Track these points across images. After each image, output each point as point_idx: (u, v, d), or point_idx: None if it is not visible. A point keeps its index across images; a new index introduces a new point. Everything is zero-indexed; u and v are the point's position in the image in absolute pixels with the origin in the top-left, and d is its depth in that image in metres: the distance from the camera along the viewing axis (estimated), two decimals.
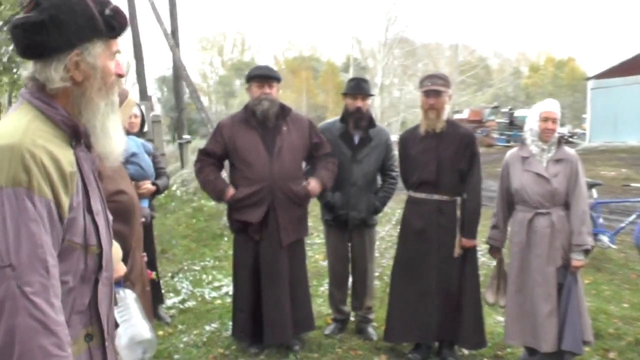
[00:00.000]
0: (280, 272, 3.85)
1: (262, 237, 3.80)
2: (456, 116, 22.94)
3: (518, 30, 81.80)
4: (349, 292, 4.44)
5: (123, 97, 2.49)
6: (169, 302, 5.18)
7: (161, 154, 10.66)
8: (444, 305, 3.69)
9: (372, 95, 4.22)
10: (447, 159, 3.67)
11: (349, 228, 4.19)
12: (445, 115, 3.71)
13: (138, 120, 4.59)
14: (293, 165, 3.86)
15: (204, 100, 56.68)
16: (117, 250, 2.46)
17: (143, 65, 12.95)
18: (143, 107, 12.10)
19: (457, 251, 3.65)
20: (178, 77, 12.81)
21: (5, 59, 9.89)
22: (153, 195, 4.56)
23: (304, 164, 4.12)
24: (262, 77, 3.86)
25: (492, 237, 3.78)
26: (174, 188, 10.45)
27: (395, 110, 29.96)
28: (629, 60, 21.14)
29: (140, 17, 13.00)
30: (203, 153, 3.96)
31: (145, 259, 2.88)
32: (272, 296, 3.82)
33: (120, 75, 1.55)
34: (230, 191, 3.81)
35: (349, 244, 4.28)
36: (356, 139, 4.18)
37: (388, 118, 28.69)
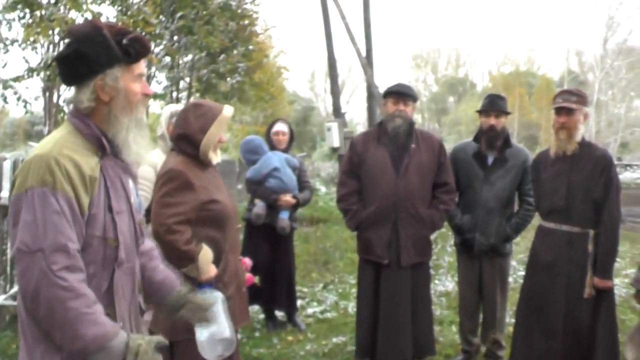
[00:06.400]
0: (399, 293, 3.77)
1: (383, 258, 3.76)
2: None
3: None
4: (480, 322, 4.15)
5: (217, 111, 2.61)
6: (309, 310, 5.39)
7: None
8: (572, 351, 3.23)
9: (508, 113, 3.91)
10: (578, 185, 3.23)
11: (475, 253, 3.92)
12: (579, 136, 3.28)
13: (285, 138, 4.90)
14: (420, 184, 3.75)
15: (417, 117, 57.22)
16: (207, 253, 2.70)
17: (337, 84, 13.67)
18: (336, 124, 12.80)
19: (587, 292, 3.18)
20: (370, 95, 13.27)
21: None
22: (294, 207, 4.83)
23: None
24: (398, 93, 3.83)
25: (638, 279, 3.19)
26: None
27: (614, 130, 26.24)
28: None
29: (337, 37, 13.69)
30: (346, 174, 3.93)
31: (250, 263, 3.04)
32: (389, 317, 3.76)
33: (146, 95, 1.77)
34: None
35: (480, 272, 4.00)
36: (490, 160, 3.92)
37: (604, 138, 25.31)
